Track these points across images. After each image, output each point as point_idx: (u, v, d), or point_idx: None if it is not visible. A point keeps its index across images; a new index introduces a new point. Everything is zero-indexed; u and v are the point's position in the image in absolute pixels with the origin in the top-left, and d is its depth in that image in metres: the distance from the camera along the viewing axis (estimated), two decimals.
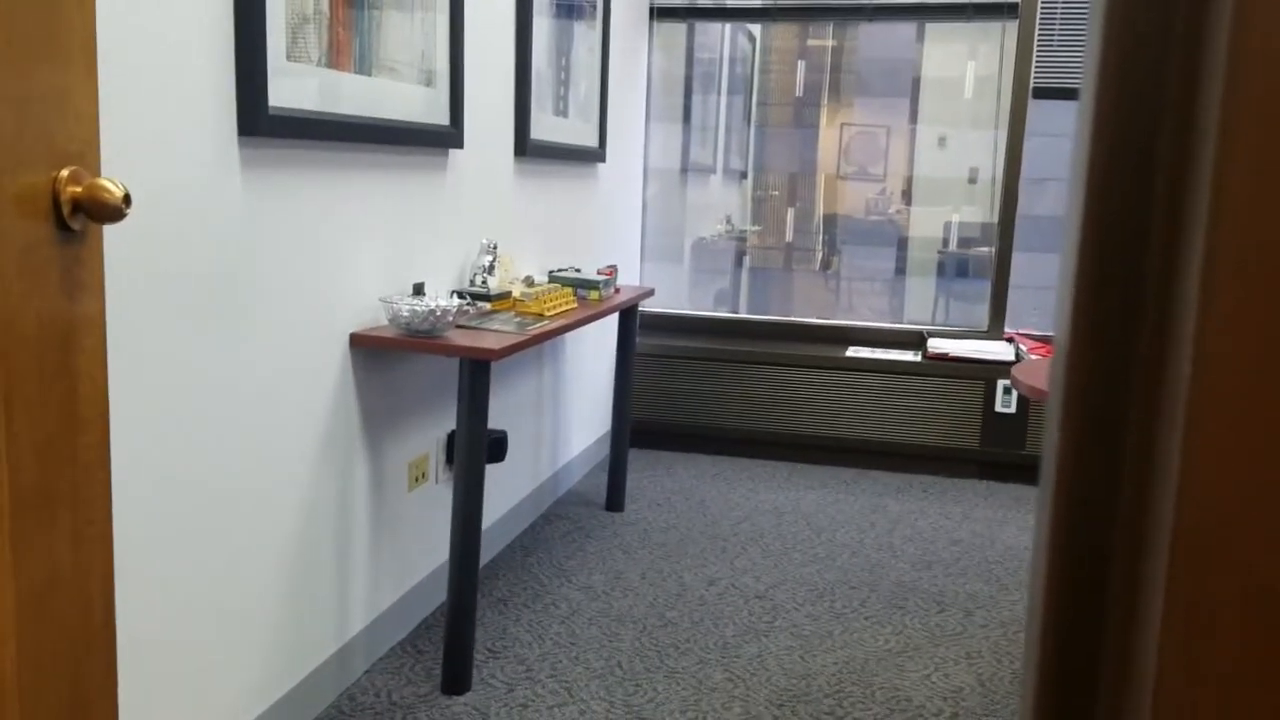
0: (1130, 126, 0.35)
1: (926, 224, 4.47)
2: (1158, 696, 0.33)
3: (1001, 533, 3.36)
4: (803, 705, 2.25)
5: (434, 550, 2.68)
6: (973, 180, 4.42)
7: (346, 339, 2.20)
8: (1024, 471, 3.87)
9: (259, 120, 1.76)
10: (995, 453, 3.85)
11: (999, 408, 3.81)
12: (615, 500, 3.42)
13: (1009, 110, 4.01)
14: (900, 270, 4.53)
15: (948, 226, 4.45)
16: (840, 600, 2.80)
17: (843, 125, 4.57)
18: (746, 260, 4.70)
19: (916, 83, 4.44)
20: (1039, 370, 2.20)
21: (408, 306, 2.22)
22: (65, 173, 1.12)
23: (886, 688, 2.34)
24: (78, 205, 1.13)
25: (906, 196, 4.49)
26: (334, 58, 2.03)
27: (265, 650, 2.01)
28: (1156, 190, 0.35)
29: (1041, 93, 3.98)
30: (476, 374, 2.22)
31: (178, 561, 1.74)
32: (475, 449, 2.25)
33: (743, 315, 4.54)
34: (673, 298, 4.61)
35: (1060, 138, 4.76)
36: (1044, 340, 4.13)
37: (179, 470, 1.72)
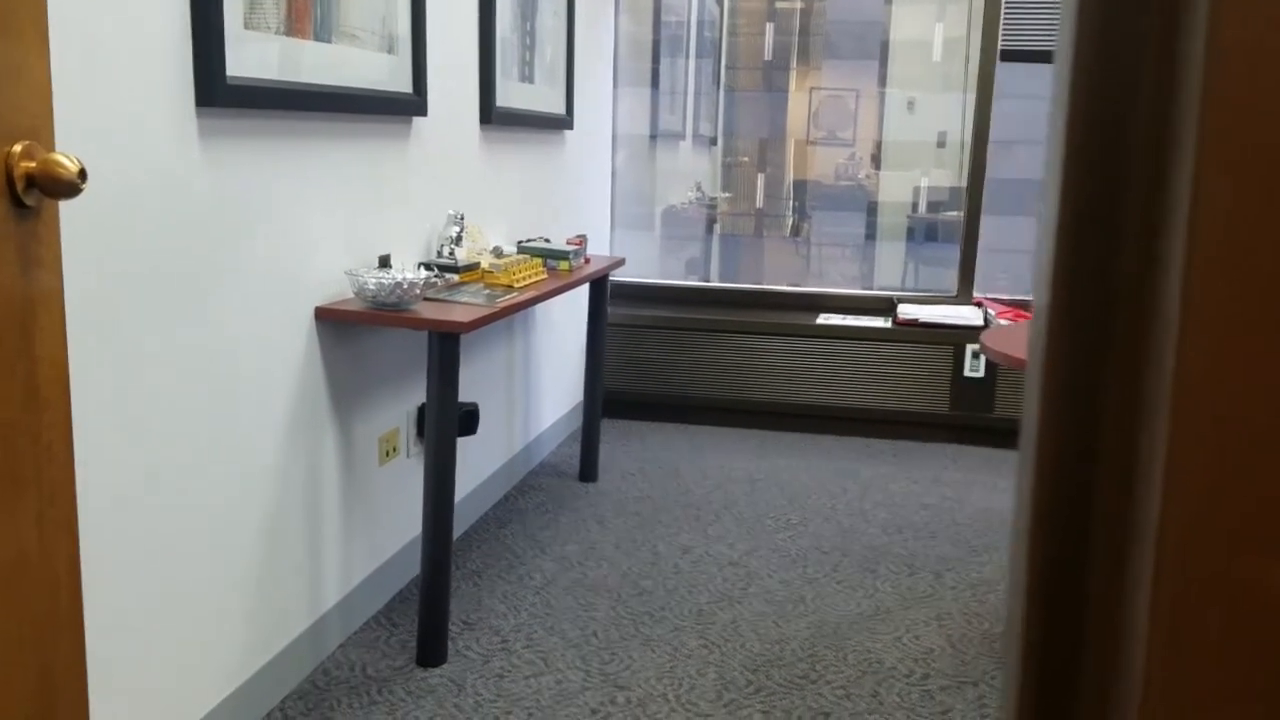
0: (1107, 92, 0.34)
1: (896, 188, 4.48)
2: (1147, 688, 0.33)
3: (970, 496, 3.40)
4: (776, 670, 2.28)
5: (406, 524, 2.67)
6: (941, 144, 4.42)
7: (312, 313, 2.18)
8: (993, 435, 3.90)
9: (217, 90, 1.72)
10: (964, 417, 3.88)
11: (968, 372, 3.84)
12: (588, 471, 3.42)
13: (977, 73, 4.01)
14: (870, 236, 4.54)
15: (916, 191, 4.46)
16: (813, 565, 2.83)
17: (812, 89, 4.55)
18: (717, 228, 4.69)
19: (885, 45, 4.42)
20: (1008, 336, 2.21)
21: (374, 279, 2.19)
22: (18, 148, 1.09)
23: (859, 651, 2.37)
24: (32, 181, 1.10)
25: (875, 161, 4.49)
26: (293, 25, 1.99)
27: (237, 627, 1.99)
28: (1135, 158, 0.34)
29: (1009, 55, 3.98)
30: (446, 347, 2.20)
31: (145, 541, 1.72)
32: (447, 423, 2.23)
33: (714, 284, 4.53)
34: (643, 266, 4.59)
35: (1028, 100, 4.77)
36: (1012, 305, 4.16)
37: (143, 449, 1.69)
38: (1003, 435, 3.90)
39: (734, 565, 2.81)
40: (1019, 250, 4.75)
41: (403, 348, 2.58)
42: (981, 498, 3.38)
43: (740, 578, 2.73)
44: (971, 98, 4.13)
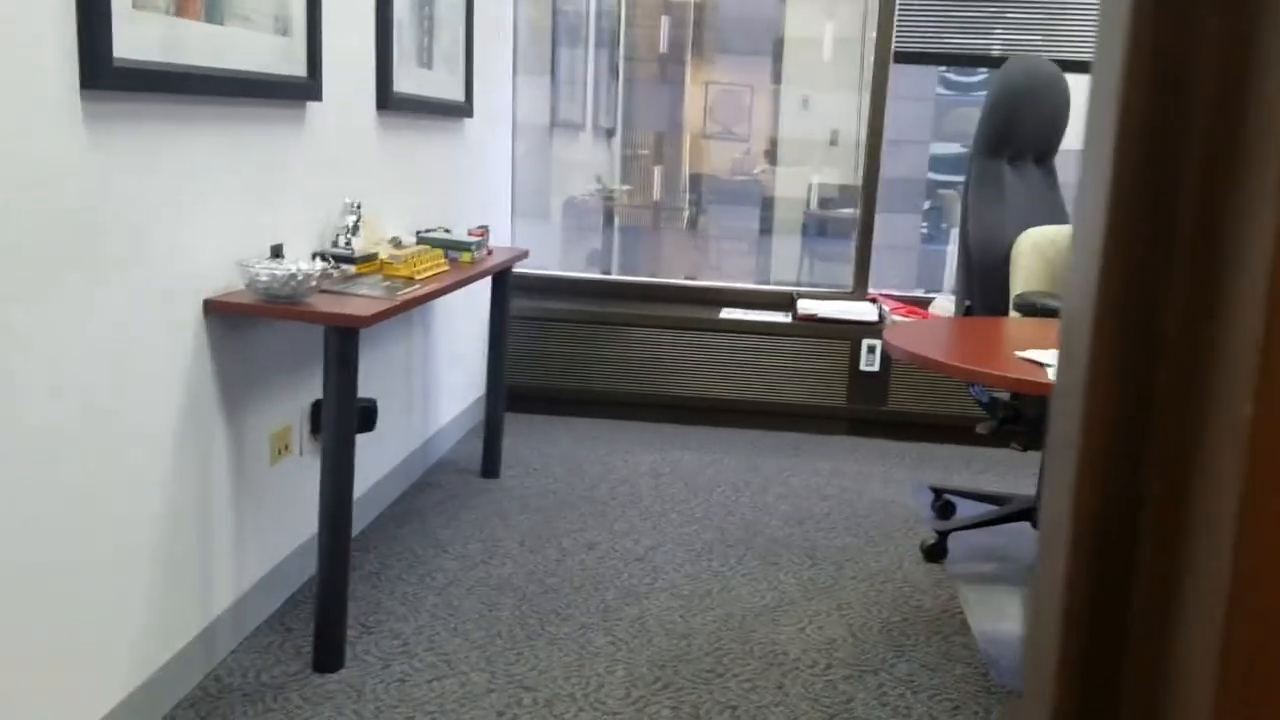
0: (1160, 99, 0.32)
1: (790, 185, 4.53)
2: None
3: (868, 487, 3.47)
4: (684, 665, 2.28)
5: (300, 524, 2.58)
6: (834, 142, 4.50)
7: (201, 306, 2.07)
8: (887, 427, 3.99)
9: (103, 73, 1.61)
10: (861, 409, 3.96)
11: (864, 366, 3.92)
12: (491, 467, 3.36)
13: (871, 74, 4.08)
14: (765, 230, 4.59)
15: (810, 187, 4.52)
16: (718, 559, 2.84)
17: (707, 84, 4.57)
18: (617, 220, 4.67)
19: (779, 43, 4.47)
20: (907, 332, 2.26)
21: (266, 271, 2.10)
22: None
23: (764, 643, 2.39)
24: None
25: (770, 157, 4.54)
26: (182, 5, 1.88)
27: (124, 635, 1.89)
28: (1190, 164, 0.32)
29: (903, 57, 4.06)
30: (344, 342, 2.13)
31: (24, 547, 1.61)
32: (345, 420, 2.16)
33: (617, 277, 4.52)
34: (543, 258, 4.54)
35: (914, 100, 4.88)
36: (905, 301, 4.25)
37: (19, 449, 1.58)
38: (897, 427, 4.00)
39: (640, 560, 2.80)
40: (906, 247, 4.87)
41: (296, 341, 2.49)
42: (878, 489, 3.45)
43: (646, 573, 2.73)
44: (863, 97, 4.20)
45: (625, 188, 4.68)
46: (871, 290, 4.25)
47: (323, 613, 2.20)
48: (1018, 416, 2.68)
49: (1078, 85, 2.99)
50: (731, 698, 2.16)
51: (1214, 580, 0.30)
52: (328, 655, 2.21)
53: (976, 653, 2.41)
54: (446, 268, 2.76)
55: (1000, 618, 2.59)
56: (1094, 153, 0.34)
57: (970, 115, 5.32)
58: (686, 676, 2.23)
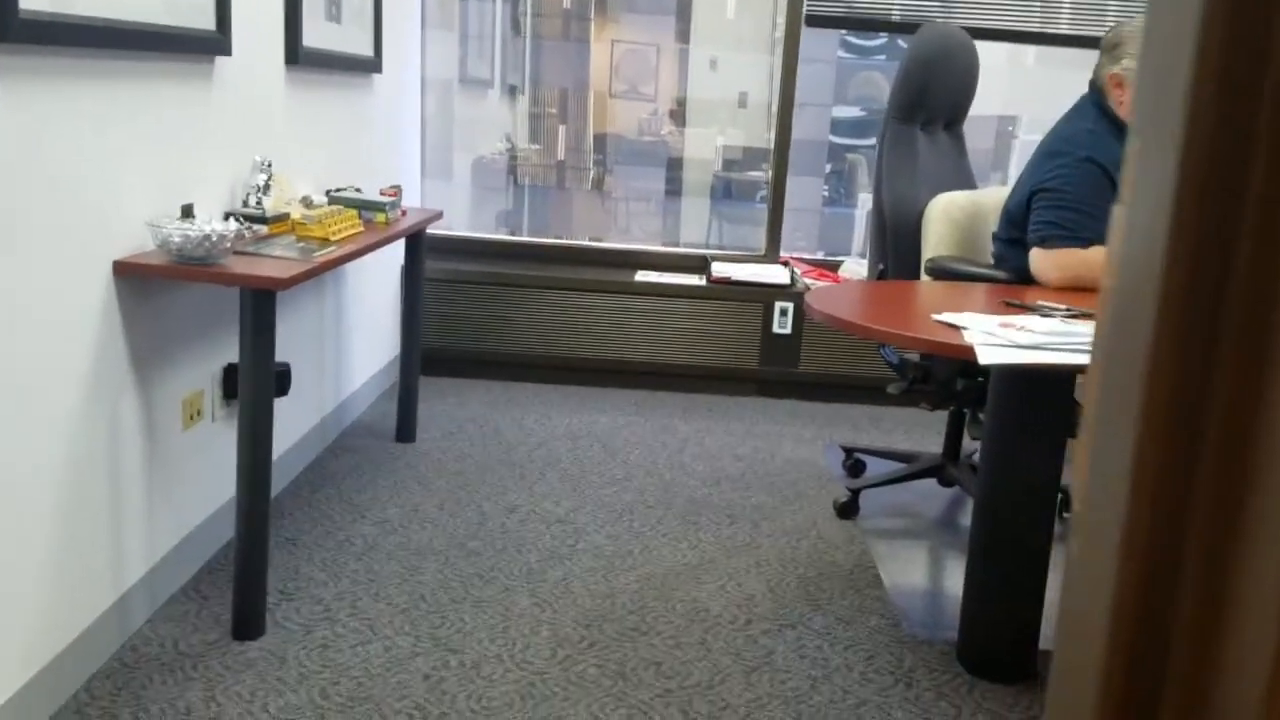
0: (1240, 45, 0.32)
1: (698, 146, 4.55)
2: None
3: (779, 447, 3.54)
4: (608, 624, 2.31)
5: (213, 491, 2.52)
6: (742, 104, 4.53)
7: (110, 267, 1.99)
8: (798, 388, 4.08)
9: (9, 25, 1.53)
10: (772, 371, 4.03)
11: (776, 329, 3.99)
12: (406, 430, 3.33)
13: (784, 37, 4.12)
14: (673, 192, 4.60)
15: (717, 149, 4.55)
16: (638, 519, 2.88)
17: (613, 42, 4.54)
18: (527, 181, 4.63)
19: (686, 2, 4.46)
20: (827, 296, 2.31)
21: (179, 232, 2.03)
22: None
23: (686, 600, 2.44)
24: None
25: (678, 118, 4.54)
26: None
27: (33, 609, 1.83)
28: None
29: (813, 20, 4.10)
30: (260, 305, 2.08)
31: None
32: (262, 384, 2.11)
33: (530, 239, 4.48)
34: (453, 218, 4.47)
35: (816, 64, 4.94)
36: (815, 264, 4.33)
37: None
38: (808, 388, 4.09)
39: (561, 522, 2.82)
40: (810, 209, 4.95)
41: (207, 304, 2.41)
42: (790, 449, 3.54)
43: (568, 534, 2.75)
44: (769, 59, 4.23)
45: (535, 147, 4.63)
46: (782, 254, 4.31)
47: (241, 579, 2.16)
48: (927, 377, 2.77)
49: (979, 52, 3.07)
50: (656, 654, 2.20)
51: (1266, 589, 0.31)
52: (247, 622, 2.17)
53: (889, 605, 2.50)
54: (361, 229, 2.70)
55: (910, 571, 2.70)
56: (1156, 141, 0.35)
57: (872, 79, 5.41)
58: (611, 635, 2.27)
